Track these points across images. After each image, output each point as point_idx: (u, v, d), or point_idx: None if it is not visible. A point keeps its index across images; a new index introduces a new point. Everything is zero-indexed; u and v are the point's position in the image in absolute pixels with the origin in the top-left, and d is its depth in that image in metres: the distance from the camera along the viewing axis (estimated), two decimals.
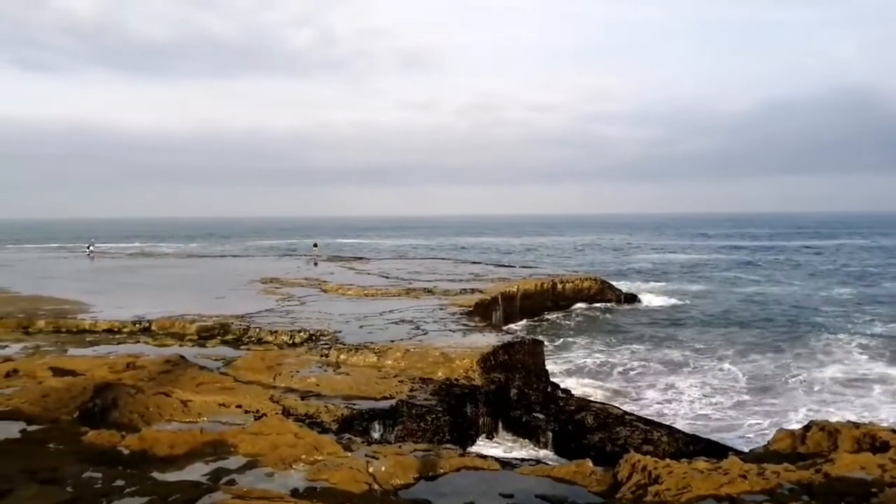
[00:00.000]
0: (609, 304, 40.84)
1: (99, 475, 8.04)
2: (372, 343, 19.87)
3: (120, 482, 7.80)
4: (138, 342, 21.13)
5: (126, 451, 9.54)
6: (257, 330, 22.37)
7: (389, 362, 18.50)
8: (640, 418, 17.89)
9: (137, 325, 23.23)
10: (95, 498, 7.14)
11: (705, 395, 22.27)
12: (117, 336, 22.20)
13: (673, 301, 43.52)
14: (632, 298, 42.90)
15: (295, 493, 8.26)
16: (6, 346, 20.13)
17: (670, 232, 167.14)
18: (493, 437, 17.24)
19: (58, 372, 14.79)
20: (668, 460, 9.03)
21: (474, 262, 54.12)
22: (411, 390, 16.42)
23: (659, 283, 53.69)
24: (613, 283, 44.98)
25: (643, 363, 26.65)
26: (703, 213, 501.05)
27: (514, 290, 34.87)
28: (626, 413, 18.18)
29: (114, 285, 36.04)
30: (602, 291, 41.71)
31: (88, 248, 66.93)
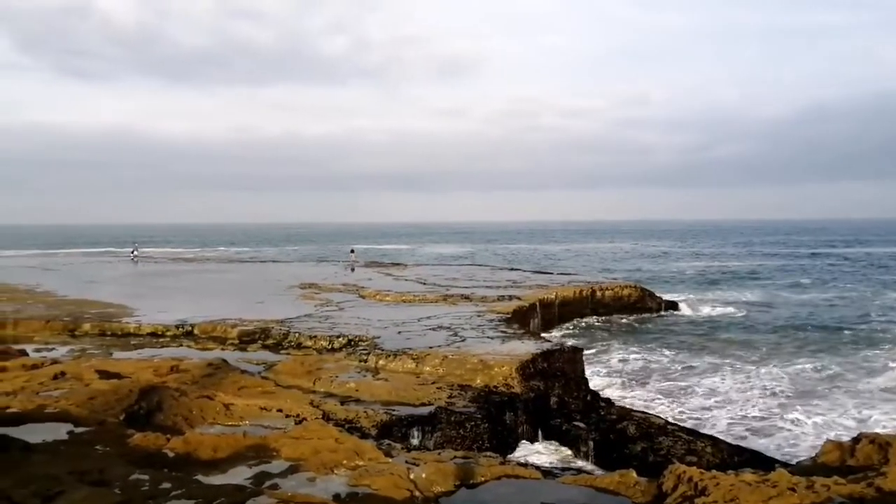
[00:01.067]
0: (649, 312, 40.33)
1: (146, 477, 8.15)
2: (410, 349, 19.89)
3: (166, 485, 7.90)
4: (181, 346, 21.51)
5: (171, 454, 9.67)
6: (297, 335, 22.57)
7: (428, 368, 18.50)
8: (683, 428, 17.59)
9: (180, 329, 23.62)
10: (143, 500, 7.24)
11: (747, 403, 21.84)
12: (161, 339, 22.61)
13: (716, 308, 42.81)
14: (673, 306, 42.29)
15: (337, 498, 8.28)
16: (53, 349, 20.64)
17: (710, 238, 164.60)
18: (532, 445, 17.10)
19: (104, 374, 15.07)
20: (714, 472, 8.84)
21: (512, 269, 53.95)
22: (450, 397, 16.38)
23: (700, 291, 52.88)
24: (653, 290, 44.42)
25: (683, 369, 26.25)
26: (743, 220, 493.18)
27: (553, 297, 34.65)
28: (668, 423, 17.89)
29: (157, 289, 36.74)
30: (642, 299, 41.19)
31: (132, 252, 68.34)
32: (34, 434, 10.24)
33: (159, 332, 23.40)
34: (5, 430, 9.85)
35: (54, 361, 17.11)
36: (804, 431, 19.17)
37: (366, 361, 18.99)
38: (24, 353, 18.77)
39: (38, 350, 20.07)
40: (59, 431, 10.58)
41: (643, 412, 19.12)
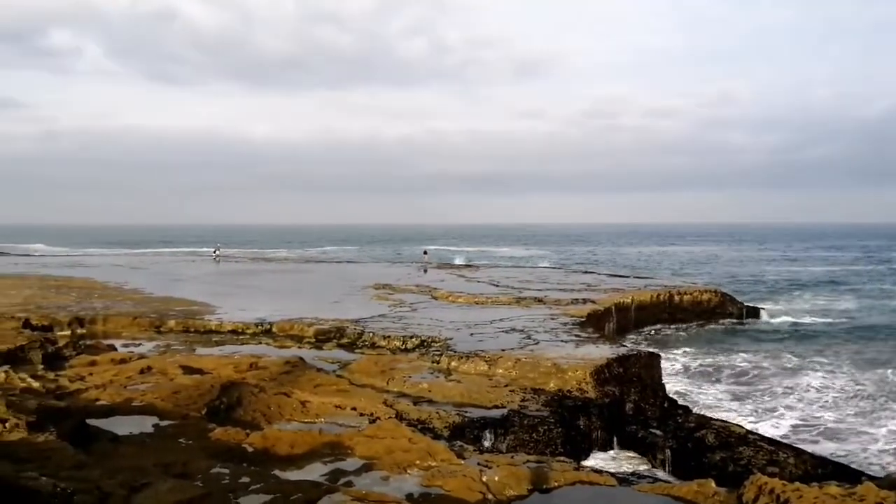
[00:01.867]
0: (730, 318, 39.09)
1: (226, 471, 8.39)
2: (483, 351, 19.85)
3: (245, 479, 8.11)
4: (260, 343, 22.08)
5: (250, 449, 9.93)
6: (371, 334, 22.85)
7: (500, 371, 18.42)
8: (764, 438, 16.95)
9: (259, 327, 24.25)
10: (224, 493, 7.45)
11: (830, 411, 20.94)
12: (241, 337, 23.27)
13: (800, 315, 41.19)
14: (754, 312, 40.86)
15: (410, 497, 8.33)
16: (140, 344, 21.52)
17: (800, 243, 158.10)
18: (606, 451, 16.79)
19: (187, 370, 15.62)
20: (797, 483, 8.48)
21: (586, 272, 53.21)
22: (523, 400, 16.26)
23: (784, 297, 50.96)
24: (735, 296, 43.03)
25: (762, 376, 25.36)
26: (838, 223, 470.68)
27: (629, 300, 33.98)
28: (749, 432, 17.26)
29: (237, 288, 37.87)
30: (722, 304, 39.93)
31: (214, 252, 70.71)
32: (122, 426, 10.70)
33: (239, 330, 24.09)
34: (96, 421, 10.33)
35: (141, 356, 17.87)
36: (891, 445, 18.21)
37: (438, 362, 19.04)
38: (112, 347, 19.69)
39: (125, 345, 20.96)
40: (145, 424, 11.03)
41: (722, 420, 18.52)
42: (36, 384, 13.56)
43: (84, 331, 24.02)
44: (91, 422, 9.98)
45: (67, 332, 23.12)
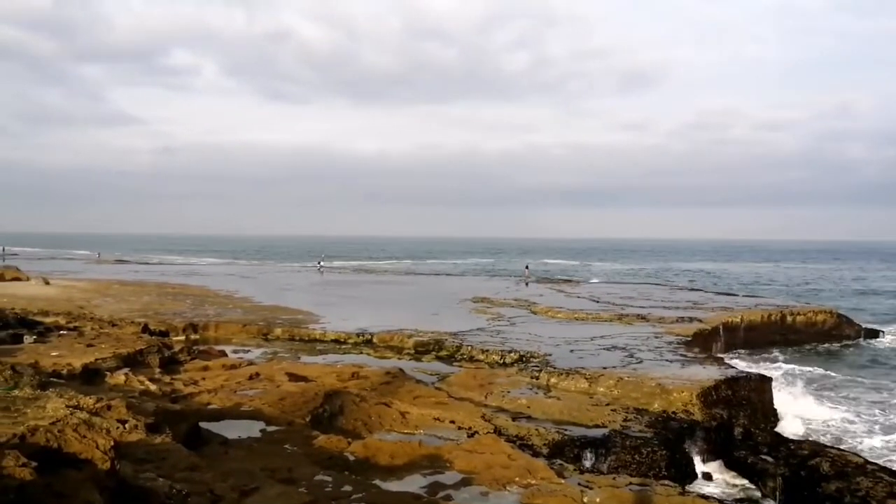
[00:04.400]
0: (847, 340, 36.77)
1: (329, 479, 8.55)
2: (583, 368, 19.48)
3: (347, 487, 8.23)
4: (361, 353, 22.54)
5: (352, 457, 10.08)
6: (469, 348, 22.86)
7: (601, 389, 18.01)
8: (884, 468, 15.77)
9: (360, 338, 24.74)
10: (327, 501, 7.58)
11: None
12: (343, 346, 23.81)
13: None
14: (873, 334, 38.28)
15: None
16: (249, 351, 22.37)
17: None
18: (713, 477, 16.09)
19: (293, 377, 16.08)
20: None
21: (692, 289, 51.48)
22: (625, 420, 15.81)
23: None
24: (852, 316, 40.50)
25: (881, 401, 23.63)
26: None
27: (738, 320, 32.57)
28: (867, 461, 16.11)
29: (340, 298, 38.84)
30: (838, 325, 37.64)
31: (319, 263, 72.92)
32: (231, 430, 11.10)
33: (342, 340, 24.66)
34: (207, 424, 10.76)
35: (250, 363, 18.55)
36: None
37: (537, 378, 18.82)
38: (224, 353, 20.53)
39: (235, 351, 21.85)
40: (253, 429, 11.40)
41: (838, 449, 17.39)
42: (153, 387, 14.30)
43: (197, 336, 25.25)
44: (203, 425, 10.41)
45: (182, 338, 24.36)
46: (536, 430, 14.46)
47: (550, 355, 21.63)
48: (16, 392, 9.68)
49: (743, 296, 47.32)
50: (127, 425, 8.05)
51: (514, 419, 15.25)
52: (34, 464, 5.14)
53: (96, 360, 16.25)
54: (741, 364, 26.70)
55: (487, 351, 22.31)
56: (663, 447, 14.98)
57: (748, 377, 19.66)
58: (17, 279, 41.43)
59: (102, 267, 68.80)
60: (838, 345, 35.96)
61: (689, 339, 25.80)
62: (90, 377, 15.09)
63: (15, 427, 6.46)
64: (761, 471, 16.04)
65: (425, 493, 8.76)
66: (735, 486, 15.98)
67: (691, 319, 30.61)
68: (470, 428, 13.93)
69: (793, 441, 17.53)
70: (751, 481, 16.05)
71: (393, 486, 9.03)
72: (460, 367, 20.57)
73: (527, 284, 50.92)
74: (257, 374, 16.23)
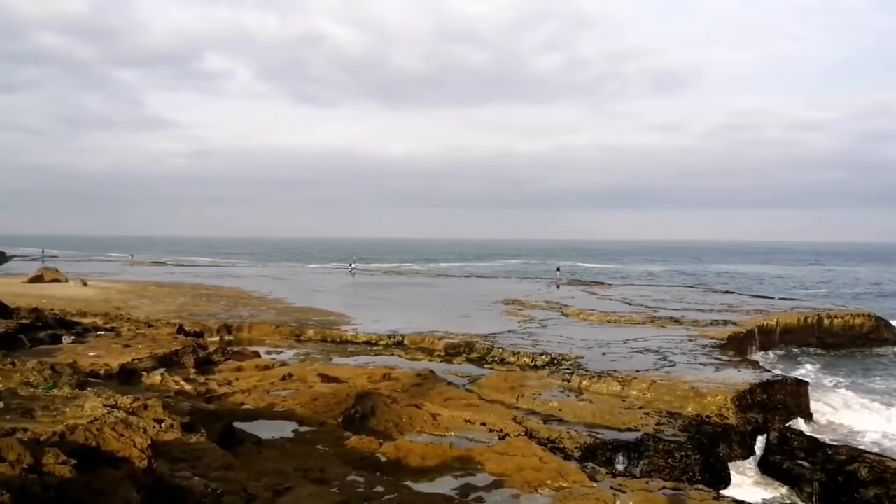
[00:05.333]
0: (886, 345, 35.93)
1: (361, 479, 8.59)
2: (615, 371, 19.32)
3: (379, 488, 8.27)
4: (392, 355, 22.61)
5: (383, 459, 10.12)
6: (500, 350, 22.80)
7: (634, 392, 17.85)
8: None
9: (392, 339, 24.84)
10: (360, 501, 7.62)
11: None
12: (374, 348, 23.92)
13: None
14: None
15: None
16: (282, 352, 22.59)
17: None
18: (748, 481, 15.85)
19: (325, 378, 16.19)
20: None
21: (726, 292, 50.78)
22: (658, 424, 15.65)
23: None
24: (893, 321, 39.57)
25: None
26: None
27: (773, 323, 32.05)
28: None
29: (371, 300, 39.02)
30: (877, 329, 36.78)
31: (350, 265, 73.38)
32: (264, 430, 11.22)
33: (373, 341, 24.78)
34: (241, 424, 10.89)
35: (283, 364, 18.73)
36: None
37: (569, 381, 18.71)
38: (257, 354, 20.76)
39: (268, 352, 22.07)
40: (286, 429, 11.50)
41: (877, 454, 17.01)
42: (188, 387, 14.51)
43: (231, 337, 25.56)
44: (237, 425, 10.53)
45: (216, 339, 24.68)
46: (568, 433, 14.39)
47: (582, 358, 21.49)
48: (55, 391, 9.91)
49: (779, 298, 46.55)
50: (163, 425, 8.18)
51: (545, 422, 15.19)
52: (73, 461, 5.25)
53: (133, 360, 16.54)
54: (776, 367, 26.29)
55: (518, 353, 22.23)
56: (697, 451, 14.81)
57: (784, 381, 19.35)
58: (56, 280, 42.35)
59: (139, 268, 70.02)
60: (877, 349, 35.17)
61: (723, 342, 25.46)
62: (127, 377, 15.37)
63: (55, 425, 6.61)
64: (797, 476, 15.76)
65: (457, 495, 8.76)
66: (771, 490, 15.73)
67: (725, 322, 30.21)
68: (501, 430, 13.90)
69: (830, 446, 17.19)
70: (786, 486, 15.80)
71: (424, 487, 9.04)
72: (491, 369, 20.53)
73: (558, 287, 50.67)
74: (290, 375, 16.37)
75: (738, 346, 26.77)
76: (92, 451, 5.84)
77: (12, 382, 10.15)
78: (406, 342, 24.55)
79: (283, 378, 16.11)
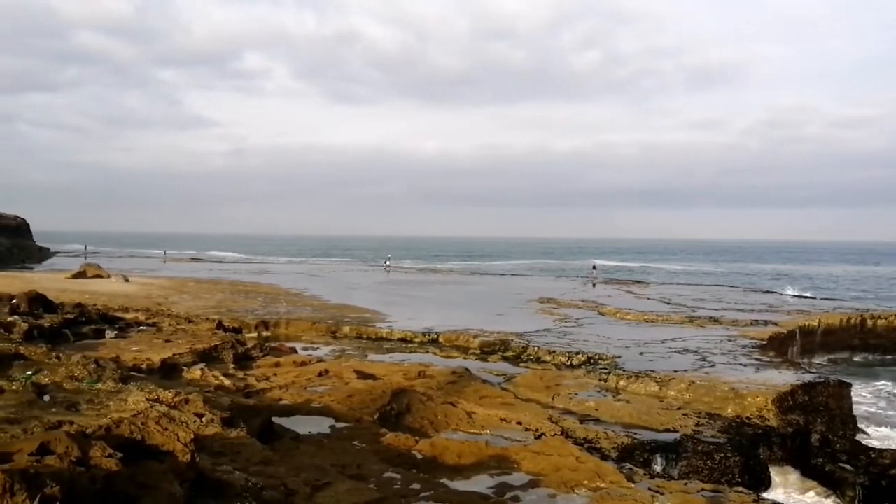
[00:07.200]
0: None
1: (397, 476, 8.63)
2: (653, 371, 19.11)
3: (415, 486, 8.29)
4: (427, 352, 22.65)
5: (419, 456, 10.15)
6: (536, 349, 22.70)
7: (672, 393, 17.63)
8: None
9: (427, 337, 24.88)
10: (397, 498, 7.66)
11: None
12: (409, 345, 23.99)
13: None
14: None
15: None
16: (318, 348, 22.77)
17: None
18: (789, 484, 15.57)
19: (360, 375, 16.29)
20: None
21: (767, 291, 49.91)
22: (697, 425, 15.44)
23: None
24: None
25: None
26: None
27: (815, 324, 31.39)
28: None
29: (406, 297, 39.15)
30: None
31: (385, 262, 73.71)
32: (302, 425, 11.33)
33: (408, 339, 24.86)
34: (279, 420, 11.01)
35: (319, 360, 18.88)
36: None
37: (606, 381, 18.55)
38: (294, 350, 20.97)
39: (305, 349, 22.27)
40: (323, 425, 11.60)
41: None
42: (227, 382, 14.73)
43: (269, 333, 25.85)
44: (276, 420, 10.65)
45: (254, 335, 25.00)
46: (605, 433, 14.27)
47: (619, 357, 21.29)
48: (99, 385, 10.12)
49: (821, 298, 45.66)
50: (204, 419, 8.31)
51: (581, 422, 15.09)
52: (119, 455, 5.36)
53: (174, 355, 16.84)
54: (819, 368, 25.76)
55: (554, 352, 22.10)
56: (737, 453, 14.58)
57: (826, 382, 18.93)
58: (99, 276, 43.30)
59: (179, 265, 71.25)
60: None
61: (763, 342, 25.01)
62: (168, 372, 15.66)
63: (100, 419, 6.75)
64: (839, 479, 15.45)
65: (493, 494, 8.75)
66: (812, 494, 15.43)
67: (766, 322, 29.67)
68: (537, 429, 13.84)
69: (873, 449, 16.82)
70: (829, 490, 15.47)
71: (460, 485, 9.05)
72: (526, 367, 20.45)
73: (594, 285, 50.28)
74: (326, 372, 16.51)
75: (779, 346, 26.27)
76: (136, 444, 5.95)
77: (58, 376, 10.40)
78: (441, 340, 24.57)
79: (320, 374, 16.25)
